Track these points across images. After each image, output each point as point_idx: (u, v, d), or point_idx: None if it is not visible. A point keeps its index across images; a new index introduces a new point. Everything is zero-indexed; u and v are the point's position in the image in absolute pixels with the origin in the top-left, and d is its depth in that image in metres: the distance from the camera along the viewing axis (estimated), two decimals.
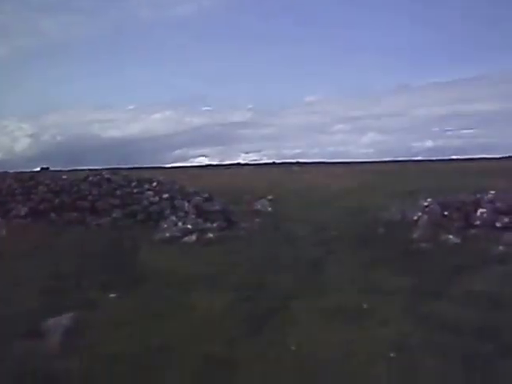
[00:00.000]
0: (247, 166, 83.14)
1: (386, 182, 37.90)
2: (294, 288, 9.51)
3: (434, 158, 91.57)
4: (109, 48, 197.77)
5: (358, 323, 7.64)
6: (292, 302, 8.71)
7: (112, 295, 9.62)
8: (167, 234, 15.46)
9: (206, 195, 16.84)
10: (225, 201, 24.37)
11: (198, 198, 16.81)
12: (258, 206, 22.03)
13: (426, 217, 13.30)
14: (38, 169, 27.38)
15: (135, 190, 17.98)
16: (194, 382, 6.04)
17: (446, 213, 13.43)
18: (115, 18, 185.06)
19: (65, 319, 7.86)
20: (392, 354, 6.39)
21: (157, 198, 17.52)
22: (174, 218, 16.60)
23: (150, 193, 17.73)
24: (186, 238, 15.03)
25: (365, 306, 8.30)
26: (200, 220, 16.29)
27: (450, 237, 12.14)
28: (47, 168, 27.76)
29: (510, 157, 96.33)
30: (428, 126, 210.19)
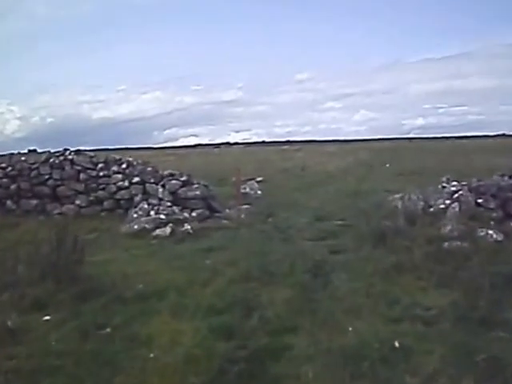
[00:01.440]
0: (237, 145, 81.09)
1: (383, 161, 35.47)
2: (293, 313, 6.91)
3: (428, 136, 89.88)
4: (98, 28, 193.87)
5: (390, 378, 5.06)
6: (289, 338, 6.11)
7: (46, 318, 7.08)
8: (136, 227, 12.84)
9: (185, 178, 14.12)
10: (208, 183, 21.90)
11: (175, 181, 14.09)
12: (247, 189, 19.41)
13: (456, 206, 10.61)
14: (26, 151, 26.05)
15: (101, 173, 15.26)
16: None
17: (480, 201, 10.77)
18: None
19: None
20: None
21: (126, 183, 14.81)
22: (145, 205, 13.95)
23: (119, 176, 15.02)
24: (158, 231, 12.42)
25: (396, 344, 5.71)
26: (176, 208, 13.64)
27: (490, 232, 9.50)
28: (35, 150, 26.73)
29: (504, 134, 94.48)
30: (420, 103, 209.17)
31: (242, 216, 13.92)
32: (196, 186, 14.00)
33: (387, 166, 32.53)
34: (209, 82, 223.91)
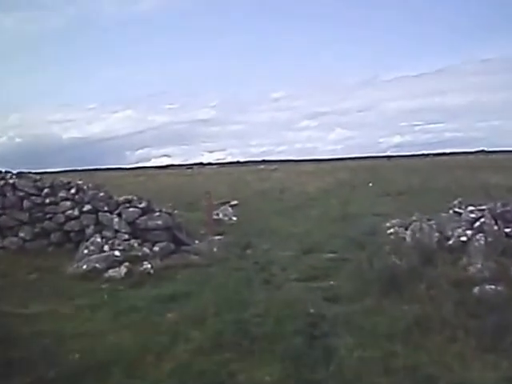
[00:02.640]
0: (210, 166, 79.04)
1: (365, 180, 33.53)
2: None
3: (406, 154, 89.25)
4: (69, 45, 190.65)
5: None
6: None
7: None
8: (85, 266, 10.51)
9: (144, 205, 11.84)
10: (177, 208, 19.60)
11: (133, 209, 11.80)
12: (220, 215, 17.21)
13: (481, 238, 8.49)
14: None
15: (47, 200, 12.88)
16: None
17: (508, 230, 8.67)
18: (75, 14, 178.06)
19: None
20: None
21: (76, 212, 12.46)
22: (98, 239, 11.63)
23: (67, 203, 12.66)
24: (112, 272, 10.13)
25: None
26: (135, 242, 11.34)
27: None
28: None
29: (483, 151, 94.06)
30: (396, 120, 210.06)
31: (215, 249, 11.69)
32: (158, 214, 11.71)
33: (370, 185, 30.63)
34: (182, 101, 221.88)
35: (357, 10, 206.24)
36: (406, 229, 10.17)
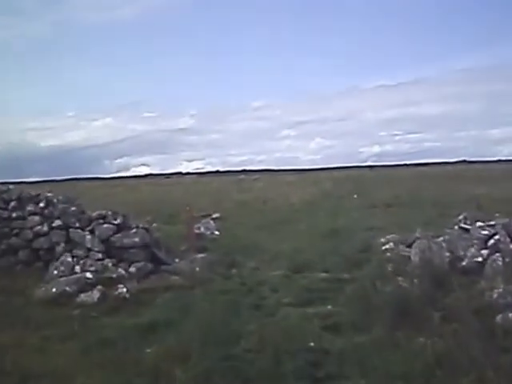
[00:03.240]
0: (189, 175, 77.88)
1: (349, 191, 32.70)
2: None
3: (387, 164, 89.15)
4: (47, 52, 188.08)
5: None
6: None
7: None
8: (54, 289, 9.44)
9: (119, 220, 10.80)
10: (155, 221, 18.57)
11: (107, 225, 10.75)
12: (202, 229, 16.17)
13: (498, 258, 7.59)
14: None
15: (14, 214, 11.76)
16: None
17: None
18: (54, 20, 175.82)
19: None
20: None
21: (45, 227, 11.36)
22: (69, 258, 10.56)
23: (36, 218, 11.56)
24: (84, 297, 9.09)
25: None
26: (109, 261, 10.29)
27: None
28: None
29: (464, 161, 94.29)
30: (376, 130, 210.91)
31: (197, 269, 10.68)
32: (134, 230, 10.67)
33: (355, 196, 29.79)
34: (162, 109, 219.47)
35: (335, 20, 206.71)
36: (409, 246, 9.23)
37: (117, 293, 9.01)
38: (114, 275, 9.73)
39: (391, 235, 12.69)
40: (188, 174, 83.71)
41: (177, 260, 11.40)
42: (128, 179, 79.87)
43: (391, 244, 12.12)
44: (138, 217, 20.77)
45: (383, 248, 12.12)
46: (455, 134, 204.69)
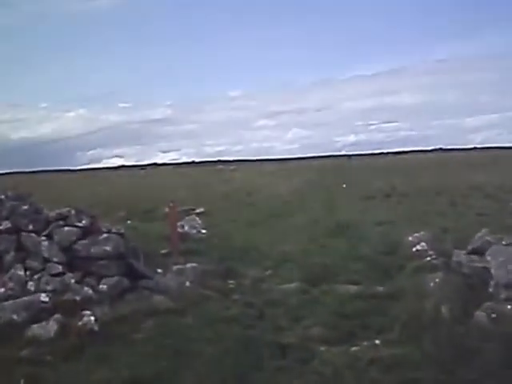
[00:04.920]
0: (165, 166, 75.13)
1: (336, 181, 30.45)
2: None
3: (366, 152, 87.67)
4: (20, 42, 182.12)
5: None
6: None
7: None
8: None
9: (86, 222, 8.27)
10: (130, 218, 16.11)
11: (70, 228, 8.21)
12: (186, 227, 13.71)
13: None
14: None
15: None
16: None
17: None
18: (28, 10, 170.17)
19: None
20: None
21: None
22: (20, 271, 8.03)
23: None
24: (37, 328, 6.61)
25: None
26: (72, 277, 7.78)
27: None
28: None
29: (441, 149, 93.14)
30: (352, 120, 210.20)
31: (187, 283, 8.25)
32: (106, 235, 8.14)
33: (344, 186, 27.61)
34: (137, 99, 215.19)
35: (310, 11, 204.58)
36: (475, 253, 6.91)
37: (81, 323, 6.54)
38: (78, 297, 7.22)
39: (421, 233, 10.41)
40: (163, 164, 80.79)
41: (159, 270, 8.92)
42: (100, 171, 76.69)
43: (423, 245, 9.88)
44: (109, 213, 18.39)
45: (414, 249, 9.88)
46: (430, 122, 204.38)
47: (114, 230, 8.24)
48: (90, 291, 7.42)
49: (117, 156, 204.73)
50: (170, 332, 6.28)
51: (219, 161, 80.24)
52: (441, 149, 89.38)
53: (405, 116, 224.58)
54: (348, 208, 17.85)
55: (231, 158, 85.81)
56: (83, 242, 8.06)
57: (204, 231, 13.82)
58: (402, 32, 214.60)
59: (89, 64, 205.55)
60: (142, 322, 6.76)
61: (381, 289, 7.95)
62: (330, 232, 12.99)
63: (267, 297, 7.86)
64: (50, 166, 77.15)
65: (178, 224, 12.60)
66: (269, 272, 9.49)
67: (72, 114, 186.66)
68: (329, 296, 7.72)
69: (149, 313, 7.07)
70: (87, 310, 6.84)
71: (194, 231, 13.67)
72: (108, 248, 7.94)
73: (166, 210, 13.76)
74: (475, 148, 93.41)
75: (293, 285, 8.40)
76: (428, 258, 8.88)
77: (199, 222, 14.48)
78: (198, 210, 17.68)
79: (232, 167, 56.13)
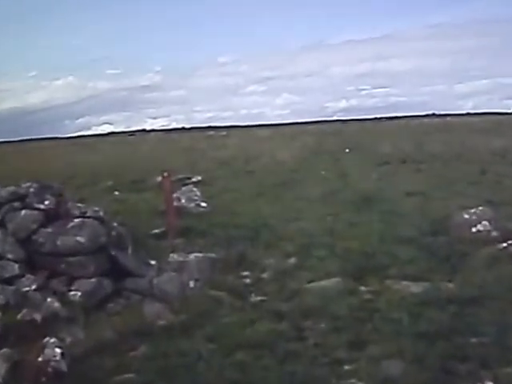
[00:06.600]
0: (155, 132, 72.62)
1: (338, 146, 28.23)
2: None
3: (360, 117, 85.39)
4: (6, 11, 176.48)
5: None
6: None
7: None
8: None
9: (51, 201, 6.09)
10: (118, 189, 14.22)
11: (29, 212, 6.02)
12: (183, 200, 11.58)
13: None
14: None
15: None
16: None
17: None
18: None
19: None
20: None
21: None
22: None
23: None
24: None
25: None
26: (32, 279, 5.64)
27: None
28: None
29: (434, 114, 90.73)
30: (343, 85, 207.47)
31: (191, 284, 6.14)
32: (79, 220, 5.96)
33: (347, 151, 25.57)
34: (126, 66, 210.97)
35: None
36: None
37: (42, 359, 4.40)
38: (38, 315, 5.05)
39: (478, 208, 8.33)
40: (153, 131, 78.09)
41: (152, 262, 6.78)
42: (89, 138, 73.84)
43: (485, 224, 7.84)
44: (94, 183, 16.29)
45: (474, 230, 7.83)
46: (421, 88, 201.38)
47: (90, 213, 6.04)
48: (56, 304, 5.23)
49: (106, 123, 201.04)
50: (172, 368, 4.19)
51: (210, 127, 77.58)
52: (434, 114, 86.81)
53: (396, 82, 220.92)
54: (363, 176, 15.72)
55: (222, 124, 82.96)
56: (47, 230, 5.86)
57: (204, 205, 11.68)
58: None
59: (77, 31, 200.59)
60: (131, 350, 4.67)
61: (451, 286, 5.91)
62: (354, 206, 10.91)
63: (301, 301, 5.76)
64: (38, 135, 74.33)
65: (174, 196, 10.50)
66: (292, 260, 7.42)
67: (60, 82, 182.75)
68: (384, 299, 5.64)
69: (140, 332, 4.97)
70: (51, 335, 4.70)
71: (193, 205, 11.52)
72: (81, 239, 5.74)
73: (159, 179, 11.89)
74: (468, 114, 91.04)
75: (331, 281, 6.32)
76: (504, 244, 6.81)
77: (198, 193, 12.30)
78: (194, 179, 15.53)
79: (222, 133, 53.75)
